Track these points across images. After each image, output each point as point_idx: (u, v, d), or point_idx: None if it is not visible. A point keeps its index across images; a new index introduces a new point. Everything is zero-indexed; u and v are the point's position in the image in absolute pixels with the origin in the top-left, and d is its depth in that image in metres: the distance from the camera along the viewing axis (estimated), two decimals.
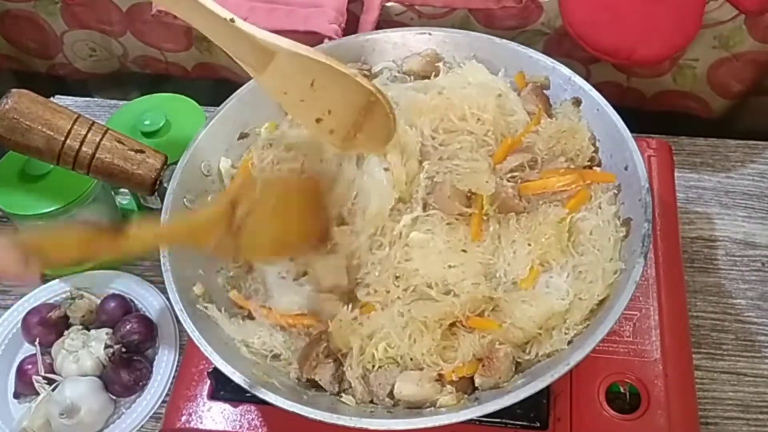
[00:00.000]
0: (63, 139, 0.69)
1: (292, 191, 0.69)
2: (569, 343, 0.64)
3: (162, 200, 0.73)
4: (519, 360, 0.64)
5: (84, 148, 0.70)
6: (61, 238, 0.57)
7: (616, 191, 0.70)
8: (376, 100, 0.67)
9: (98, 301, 0.88)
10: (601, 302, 0.65)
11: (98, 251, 0.59)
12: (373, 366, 0.65)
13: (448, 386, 0.63)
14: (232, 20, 0.64)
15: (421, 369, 0.64)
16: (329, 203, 0.70)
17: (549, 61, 0.78)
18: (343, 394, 0.65)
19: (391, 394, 0.64)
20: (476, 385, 0.64)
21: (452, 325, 0.65)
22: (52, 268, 0.91)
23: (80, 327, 0.85)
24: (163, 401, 0.81)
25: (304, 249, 0.69)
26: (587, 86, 0.76)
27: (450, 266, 0.66)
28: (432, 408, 0.63)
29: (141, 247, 0.60)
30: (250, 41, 0.65)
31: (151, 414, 0.80)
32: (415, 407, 0.63)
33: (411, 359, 0.64)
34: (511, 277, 0.67)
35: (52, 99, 0.73)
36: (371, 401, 0.64)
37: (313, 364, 0.65)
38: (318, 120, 0.70)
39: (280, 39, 0.66)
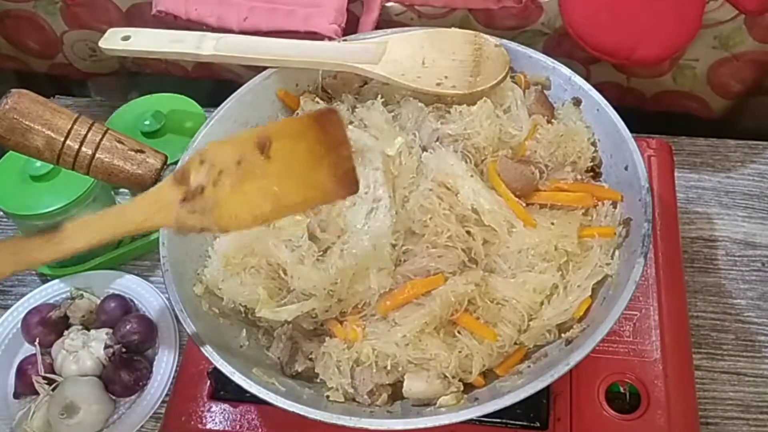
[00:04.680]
0: (63, 139, 0.69)
1: (296, 135, 0.58)
2: (569, 343, 0.64)
3: None
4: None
5: (84, 148, 0.70)
6: None
7: (613, 207, 0.71)
8: (483, 42, 0.76)
9: (98, 301, 0.88)
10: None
11: (34, 259, 0.54)
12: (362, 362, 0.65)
13: (455, 381, 0.64)
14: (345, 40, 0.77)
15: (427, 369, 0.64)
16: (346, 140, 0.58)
17: (549, 61, 0.78)
18: (330, 392, 0.65)
19: (371, 393, 0.64)
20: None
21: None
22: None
23: (80, 327, 0.85)
24: (163, 401, 0.81)
25: (314, 201, 0.61)
26: (587, 86, 0.76)
27: None
28: (432, 408, 0.63)
29: (84, 244, 0.56)
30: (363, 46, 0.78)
31: (151, 414, 0.80)
32: (423, 405, 0.64)
33: (416, 364, 0.65)
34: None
35: (52, 99, 0.73)
36: (353, 399, 0.65)
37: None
38: (438, 83, 0.75)
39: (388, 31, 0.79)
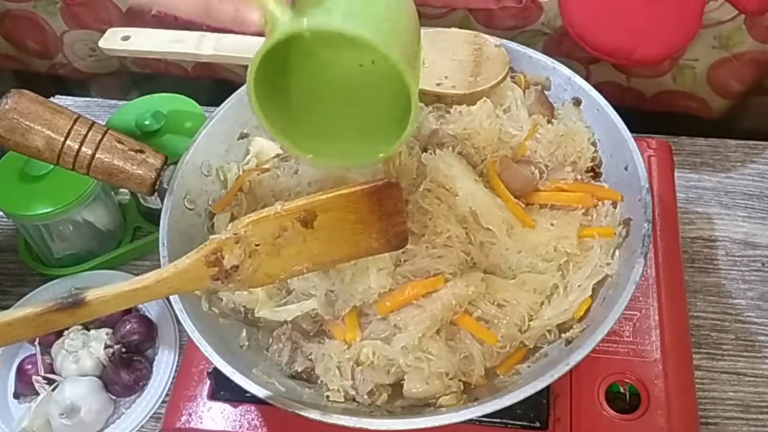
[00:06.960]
0: (63, 139, 0.69)
1: (347, 207, 0.56)
2: (569, 343, 0.64)
3: (162, 200, 0.73)
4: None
5: (84, 148, 0.70)
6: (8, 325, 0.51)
7: (613, 207, 0.71)
8: (483, 42, 0.75)
9: None
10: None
11: (56, 328, 0.53)
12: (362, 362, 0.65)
13: (455, 381, 0.64)
14: None
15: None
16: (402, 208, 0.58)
17: (549, 61, 0.78)
18: (330, 393, 0.65)
19: (371, 393, 0.64)
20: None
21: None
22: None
23: (80, 327, 0.85)
24: (163, 401, 0.81)
25: (355, 257, 0.61)
26: (587, 86, 0.76)
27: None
28: (432, 408, 0.63)
29: (105, 313, 0.55)
30: None
31: (151, 414, 0.80)
32: (423, 405, 0.64)
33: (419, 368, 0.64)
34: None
35: (52, 99, 0.73)
36: (354, 399, 0.65)
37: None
38: (438, 84, 0.75)
39: None
